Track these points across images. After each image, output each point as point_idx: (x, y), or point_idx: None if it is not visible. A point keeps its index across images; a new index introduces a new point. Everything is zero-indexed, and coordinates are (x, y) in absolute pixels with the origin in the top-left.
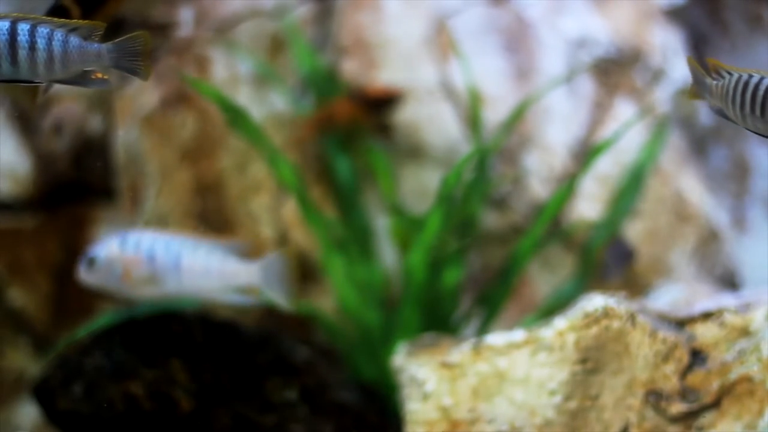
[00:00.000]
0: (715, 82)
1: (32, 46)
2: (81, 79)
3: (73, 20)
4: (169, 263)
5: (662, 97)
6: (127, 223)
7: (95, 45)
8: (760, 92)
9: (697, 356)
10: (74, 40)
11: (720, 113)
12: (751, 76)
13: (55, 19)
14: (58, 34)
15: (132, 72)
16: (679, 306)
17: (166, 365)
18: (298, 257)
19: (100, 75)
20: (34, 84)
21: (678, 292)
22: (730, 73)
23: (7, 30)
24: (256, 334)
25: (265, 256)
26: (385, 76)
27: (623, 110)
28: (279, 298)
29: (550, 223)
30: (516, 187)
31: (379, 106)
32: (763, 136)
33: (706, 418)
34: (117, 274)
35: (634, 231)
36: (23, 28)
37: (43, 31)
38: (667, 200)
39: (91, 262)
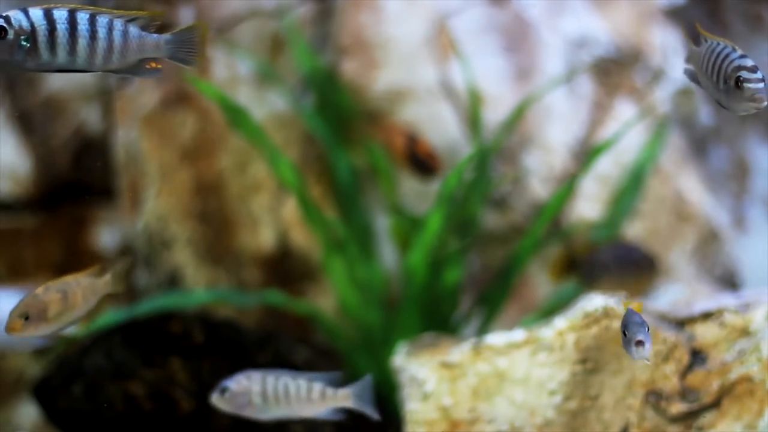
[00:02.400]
0: (696, 48)
1: (93, 35)
2: (134, 68)
3: (132, 10)
4: None
5: (662, 97)
6: (127, 222)
7: (154, 35)
8: (723, 64)
9: (697, 356)
10: (133, 30)
11: (694, 79)
12: (717, 44)
13: (114, 10)
14: (118, 24)
15: (185, 62)
16: (679, 306)
17: (166, 365)
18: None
19: (153, 64)
20: (86, 72)
21: (678, 292)
22: (706, 40)
23: (66, 19)
24: (256, 334)
25: None
26: (385, 76)
27: (623, 110)
28: None
29: (550, 223)
30: (516, 187)
31: (416, 162)
32: (722, 106)
33: (706, 418)
34: None
35: (634, 231)
36: (83, 17)
37: (103, 20)
38: (667, 200)
39: None
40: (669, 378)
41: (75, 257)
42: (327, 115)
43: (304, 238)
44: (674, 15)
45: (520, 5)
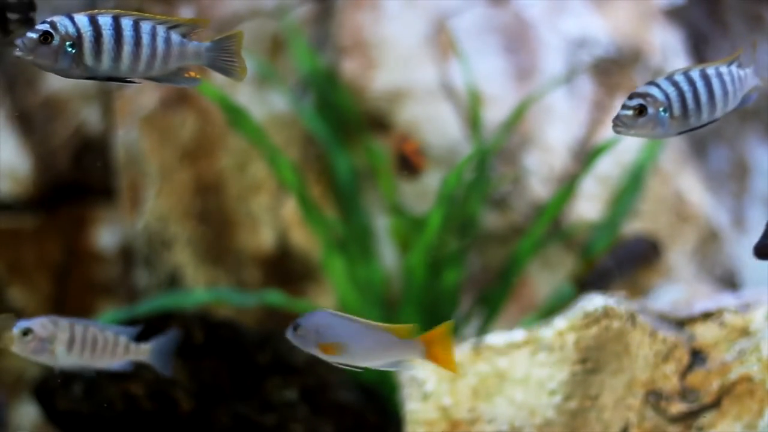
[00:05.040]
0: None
1: (137, 42)
2: (174, 76)
3: (174, 17)
4: None
5: None
6: (127, 222)
7: (195, 43)
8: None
9: (697, 356)
10: (175, 37)
11: None
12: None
13: (157, 15)
14: (161, 31)
15: (225, 72)
16: (679, 306)
17: None
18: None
19: (192, 73)
20: (129, 82)
21: (678, 292)
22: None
23: (110, 25)
24: (256, 334)
25: None
26: (385, 76)
27: None
28: None
29: (550, 223)
30: (516, 187)
31: (402, 160)
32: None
33: (706, 418)
34: None
35: (634, 231)
36: (127, 23)
37: (146, 27)
38: (667, 200)
39: None
40: (669, 378)
41: (75, 257)
42: (327, 115)
43: (304, 238)
44: (674, 15)
45: (520, 5)
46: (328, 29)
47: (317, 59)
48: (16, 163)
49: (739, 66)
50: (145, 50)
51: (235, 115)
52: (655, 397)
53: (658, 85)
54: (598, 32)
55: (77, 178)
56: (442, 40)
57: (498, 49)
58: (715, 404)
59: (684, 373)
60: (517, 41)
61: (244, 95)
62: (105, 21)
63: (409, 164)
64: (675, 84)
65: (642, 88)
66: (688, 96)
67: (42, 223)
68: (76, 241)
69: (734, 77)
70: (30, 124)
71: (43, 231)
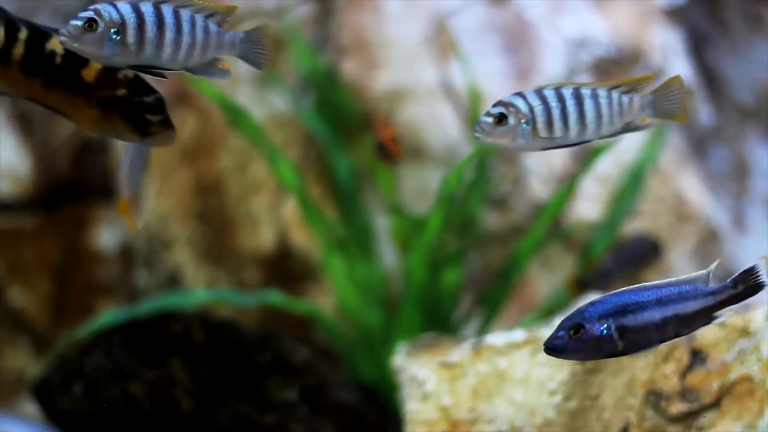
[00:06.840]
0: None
1: (178, 30)
2: (208, 67)
3: (210, 3)
4: None
5: None
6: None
7: (230, 33)
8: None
9: (697, 356)
10: (213, 26)
11: None
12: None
13: (195, 1)
14: (200, 19)
15: (256, 64)
16: None
17: (166, 365)
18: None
19: (224, 64)
20: (163, 72)
21: None
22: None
23: (152, 13)
24: (256, 334)
25: None
26: (385, 76)
27: None
28: None
29: (550, 223)
30: (516, 187)
31: (379, 148)
32: None
33: (706, 418)
34: None
35: (634, 231)
36: (167, 11)
37: (186, 15)
38: (667, 200)
39: None
40: (669, 378)
41: (75, 257)
42: (327, 115)
43: (304, 238)
44: (674, 15)
45: (520, 5)
46: (328, 29)
47: (317, 59)
48: (16, 163)
49: (630, 92)
50: (185, 38)
51: (235, 115)
52: (655, 397)
53: (524, 97)
54: (598, 32)
55: (77, 178)
56: (442, 40)
57: (498, 49)
58: (715, 404)
59: (684, 373)
60: (517, 41)
61: (244, 95)
62: (147, 8)
63: (386, 152)
64: (543, 98)
65: (507, 98)
66: (555, 112)
67: (42, 223)
68: (76, 241)
69: (612, 102)
70: (30, 124)
71: (43, 231)
